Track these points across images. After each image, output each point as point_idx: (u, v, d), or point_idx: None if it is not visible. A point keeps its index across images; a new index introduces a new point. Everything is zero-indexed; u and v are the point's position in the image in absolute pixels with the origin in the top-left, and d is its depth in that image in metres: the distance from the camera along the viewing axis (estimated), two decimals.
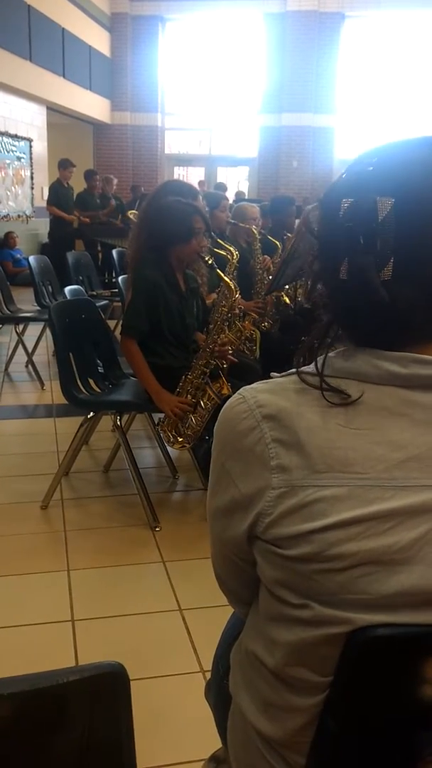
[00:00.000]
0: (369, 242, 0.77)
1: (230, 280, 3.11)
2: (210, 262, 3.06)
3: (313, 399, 0.82)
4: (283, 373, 0.87)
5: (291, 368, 0.87)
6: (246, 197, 12.20)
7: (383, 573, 0.77)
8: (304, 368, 0.85)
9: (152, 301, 3.01)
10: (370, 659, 0.79)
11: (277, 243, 4.80)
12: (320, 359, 0.84)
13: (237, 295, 3.09)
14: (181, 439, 3.00)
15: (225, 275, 3.15)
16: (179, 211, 3.03)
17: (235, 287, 3.09)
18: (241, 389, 0.88)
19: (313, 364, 0.85)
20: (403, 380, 0.79)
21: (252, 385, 0.87)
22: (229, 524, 0.89)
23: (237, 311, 3.37)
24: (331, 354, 0.84)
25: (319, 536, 0.78)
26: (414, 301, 0.78)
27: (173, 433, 3.01)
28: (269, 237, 4.86)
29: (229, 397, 0.89)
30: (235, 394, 0.88)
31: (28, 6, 10.42)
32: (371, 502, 0.77)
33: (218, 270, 3.07)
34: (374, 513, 0.77)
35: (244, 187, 15.28)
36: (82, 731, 0.71)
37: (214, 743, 1.38)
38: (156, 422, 3.19)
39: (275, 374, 0.88)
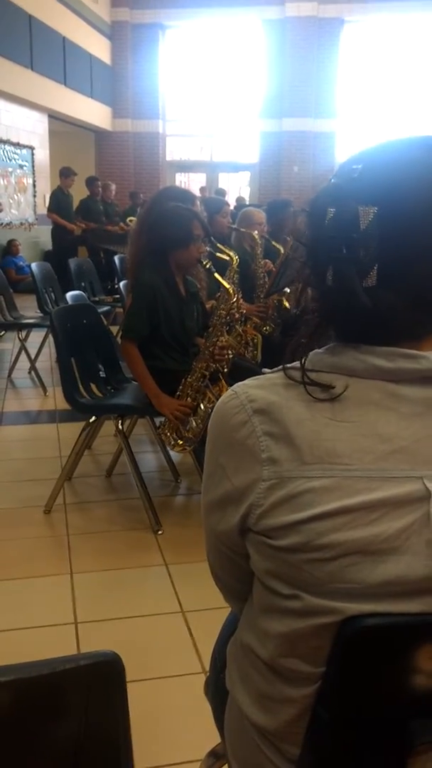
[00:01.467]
0: (351, 251, 0.79)
1: (229, 284, 3.12)
2: (208, 266, 3.08)
3: (302, 393, 0.84)
4: (274, 369, 0.89)
5: None
6: (247, 203, 12.23)
7: (370, 563, 0.78)
8: (291, 364, 0.87)
9: (152, 305, 3.04)
10: (361, 649, 0.80)
11: (279, 247, 4.81)
12: (311, 355, 0.86)
13: (235, 299, 3.10)
14: (181, 442, 3.02)
15: (225, 279, 3.16)
16: (179, 216, 3.06)
17: (234, 291, 3.10)
18: (234, 386, 0.90)
19: (307, 361, 0.87)
20: (390, 374, 0.81)
21: (244, 382, 0.90)
22: (222, 517, 0.90)
23: (237, 315, 3.38)
24: (319, 350, 0.87)
25: (308, 526, 0.79)
26: (396, 304, 0.80)
27: (174, 436, 3.03)
28: (273, 242, 4.87)
29: None
30: (228, 390, 0.90)
31: (29, 15, 10.49)
32: (358, 493, 0.78)
33: (216, 274, 3.09)
34: (360, 503, 0.78)
35: (246, 193, 15.32)
36: (78, 719, 0.73)
37: (216, 742, 1.39)
38: (157, 426, 3.20)
39: (266, 370, 0.90)
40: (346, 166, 0.84)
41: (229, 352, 3.06)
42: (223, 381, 2.96)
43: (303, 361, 0.85)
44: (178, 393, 3.02)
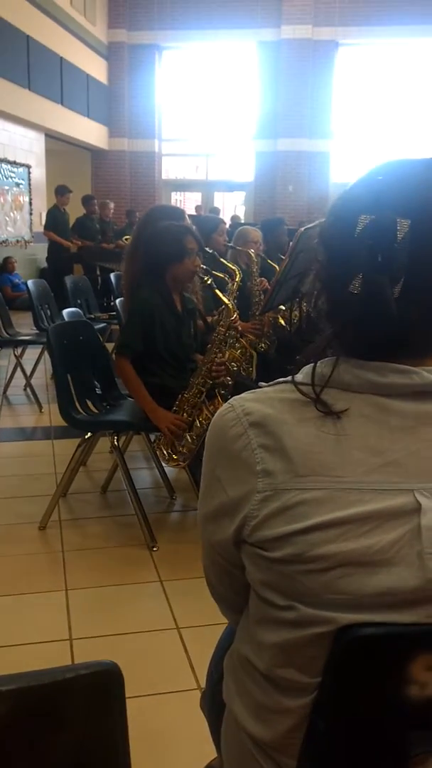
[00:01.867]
0: (386, 261, 0.80)
1: (229, 300, 3.15)
2: (209, 282, 3.12)
3: (297, 407, 0.85)
4: (270, 383, 0.91)
5: None
6: (242, 221, 12.32)
7: (363, 574, 0.79)
8: (296, 378, 0.88)
9: (148, 322, 3.07)
10: (356, 658, 0.81)
11: (275, 265, 4.84)
12: (310, 369, 0.87)
13: (234, 316, 3.13)
14: (176, 457, 3.03)
15: (225, 296, 3.20)
16: (171, 232, 3.11)
17: (233, 307, 3.13)
18: (231, 399, 0.92)
19: (303, 374, 0.88)
20: (381, 388, 0.83)
21: (240, 395, 0.91)
22: (217, 529, 0.92)
23: (236, 331, 3.41)
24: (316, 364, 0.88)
25: (301, 538, 0.81)
26: (414, 318, 0.82)
27: (169, 450, 3.04)
28: (269, 261, 4.90)
29: None
30: (225, 404, 0.92)
31: (27, 36, 10.61)
32: (350, 505, 0.80)
33: (217, 290, 3.12)
34: (353, 515, 0.79)
35: (241, 212, 15.44)
36: (78, 727, 0.73)
37: (212, 757, 1.39)
38: (152, 440, 3.21)
39: (263, 384, 0.91)
40: (374, 177, 0.85)
41: (234, 364, 3.08)
42: (219, 397, 2.97)
43: (313, 376, 0.86)
44: (174, 408, 3.04)
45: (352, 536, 0.79)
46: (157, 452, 3.09)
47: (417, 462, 0.81)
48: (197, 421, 2.98)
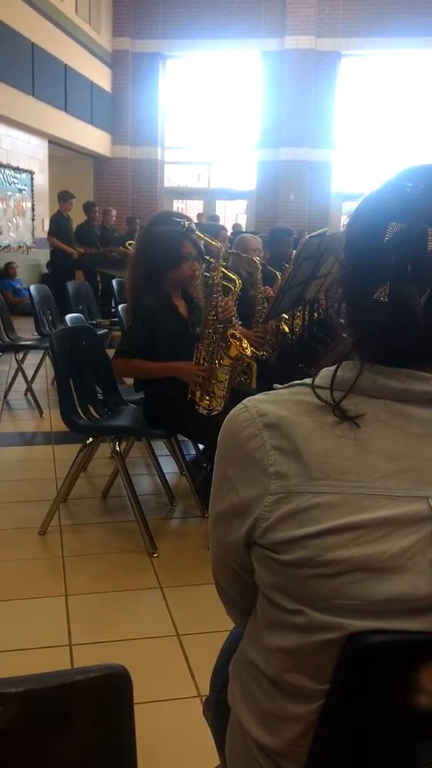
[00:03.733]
0: (415, 270, 0.79)
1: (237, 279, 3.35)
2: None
3: (313, 410, 0.85)
4: (285, 385, 0.90)
5: None
6: (243, 230, 12.35)
7: (374, 580, 0.79)
8: (315, 381, 0.87)
9: (149, 328, 3.08)
10: (365, 666, 0.81)
11: (277, 273, 4.85)
12: (328, 373, 0.86)
13: (238, 288, 3.25)
14: (211, 402, 3.09)
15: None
16: (168, 238, 3.15)
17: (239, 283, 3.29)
18: (244, 399, 0.91)
19: (321, 378, 0.87)
20: (399, 394, 0.82)
21: (254, 396, 0.91)
22: (228, 529, 0.91)
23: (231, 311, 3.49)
24: (329, 368, 0.87)
25: (313, 542, 0.80)
26: None
27: (206, 398, 3.09)
28: (269, 267, 4.90)
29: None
30: (239, 404, 0.91)
31: (32, 43, 10.66)
32: (364, 510, 0.79)
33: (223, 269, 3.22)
34: (366, 521, 0.79)
35: (242, 220, 15.47)
36: (86, 731, 0.73)
37: (214, 765, 1.38)
38: (188, 396, 3.17)
39: (278, 386, 0.91)
40: (403, 183, 0.83)
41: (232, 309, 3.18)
42: (232, 339, 3.04)
43: (332, 382, 0.85)
44: (194, 359, 3.11)
45: (365, 541, 0.79)
46: (198, 402, 3.10)
47: None
48: (218, 368, 3.06)
